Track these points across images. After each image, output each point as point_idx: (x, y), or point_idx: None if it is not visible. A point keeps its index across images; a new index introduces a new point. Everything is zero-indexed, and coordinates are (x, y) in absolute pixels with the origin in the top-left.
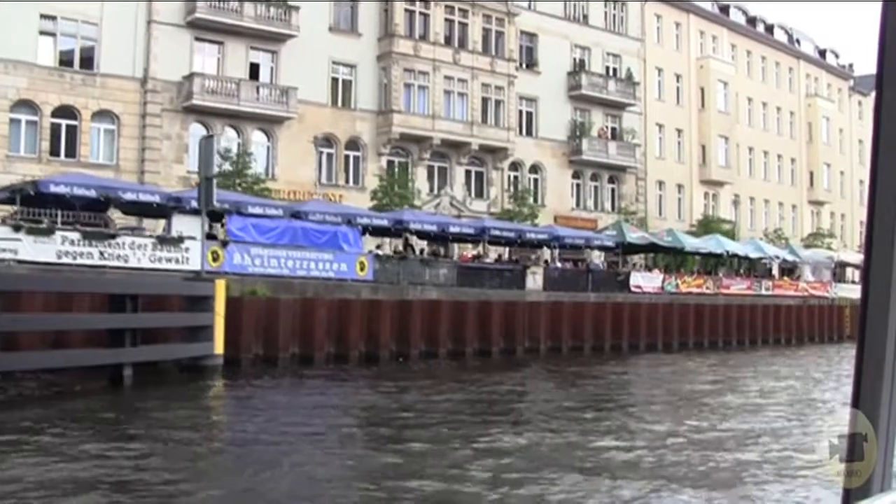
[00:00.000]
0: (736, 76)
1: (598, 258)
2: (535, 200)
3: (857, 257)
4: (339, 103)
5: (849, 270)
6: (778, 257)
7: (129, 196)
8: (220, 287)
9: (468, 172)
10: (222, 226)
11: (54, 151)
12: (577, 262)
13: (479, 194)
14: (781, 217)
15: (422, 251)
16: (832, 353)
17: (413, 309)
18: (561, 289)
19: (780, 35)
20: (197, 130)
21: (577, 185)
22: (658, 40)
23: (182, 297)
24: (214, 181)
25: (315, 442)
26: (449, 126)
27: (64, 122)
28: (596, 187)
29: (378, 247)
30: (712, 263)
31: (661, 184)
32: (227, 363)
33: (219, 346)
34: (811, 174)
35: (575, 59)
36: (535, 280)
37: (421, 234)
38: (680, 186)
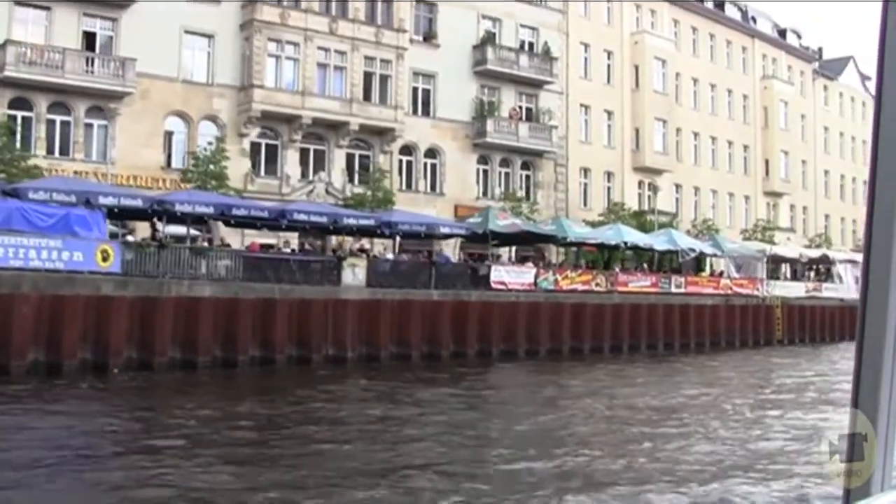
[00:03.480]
0: (677, 54)
1: (505, 252)
2: (433, 188)
3: (799, 251)
4: (193, 77)
5: (815, 267)
6: (693, 250)
7: None
8: None
9: (350, 156)
10: None
11: None
12: (477, 257)
13: (366, 181)
14: (732, 209)
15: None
16: (740, 360)
17: (160, 308)
18: (393, 285)
19: (732, 12)
20: (16, 106)
21: (484, 172)
22: (585, 13)
23: None
24: None
25: None
26: (323, 104)
27: None
28: (507, 174)
29: (129, 233)
30: (650, 257)
31: (585, 171)
32: None
33: None
34: (767, 163)
35: (484, 32)
36: (355, 274)
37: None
38: (609, 174)
